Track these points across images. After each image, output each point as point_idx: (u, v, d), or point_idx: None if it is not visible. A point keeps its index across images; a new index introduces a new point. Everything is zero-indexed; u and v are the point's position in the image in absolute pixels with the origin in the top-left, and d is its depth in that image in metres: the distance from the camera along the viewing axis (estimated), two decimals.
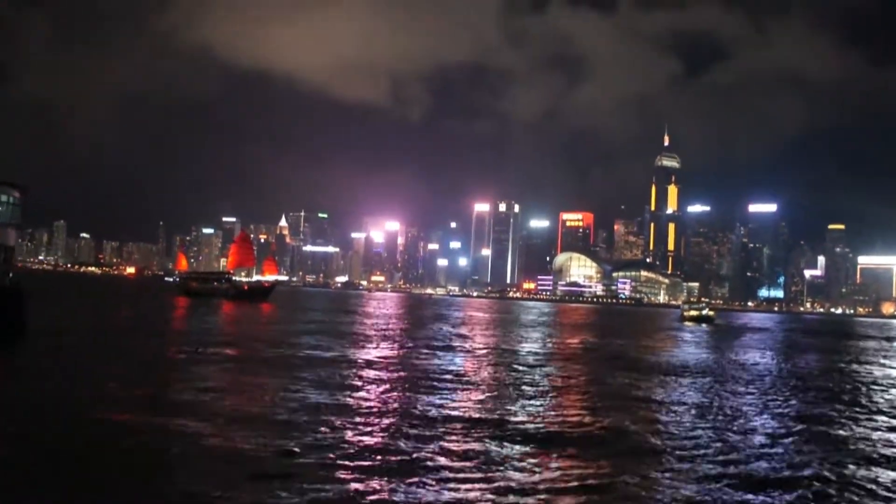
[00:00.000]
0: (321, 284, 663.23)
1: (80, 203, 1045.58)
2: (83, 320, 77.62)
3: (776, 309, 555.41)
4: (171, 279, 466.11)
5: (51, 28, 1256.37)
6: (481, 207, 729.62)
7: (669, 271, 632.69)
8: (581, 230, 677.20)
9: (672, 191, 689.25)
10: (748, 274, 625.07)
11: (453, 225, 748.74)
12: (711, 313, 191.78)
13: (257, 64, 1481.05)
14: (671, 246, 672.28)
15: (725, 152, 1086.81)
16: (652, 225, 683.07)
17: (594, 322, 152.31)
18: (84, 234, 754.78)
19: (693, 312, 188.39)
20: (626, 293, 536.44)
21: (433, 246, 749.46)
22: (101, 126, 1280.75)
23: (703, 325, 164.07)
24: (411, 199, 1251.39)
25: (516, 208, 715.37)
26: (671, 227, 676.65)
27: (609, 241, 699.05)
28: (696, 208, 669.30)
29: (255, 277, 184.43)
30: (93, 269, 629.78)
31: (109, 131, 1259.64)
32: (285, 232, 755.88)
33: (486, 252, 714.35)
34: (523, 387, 41.74)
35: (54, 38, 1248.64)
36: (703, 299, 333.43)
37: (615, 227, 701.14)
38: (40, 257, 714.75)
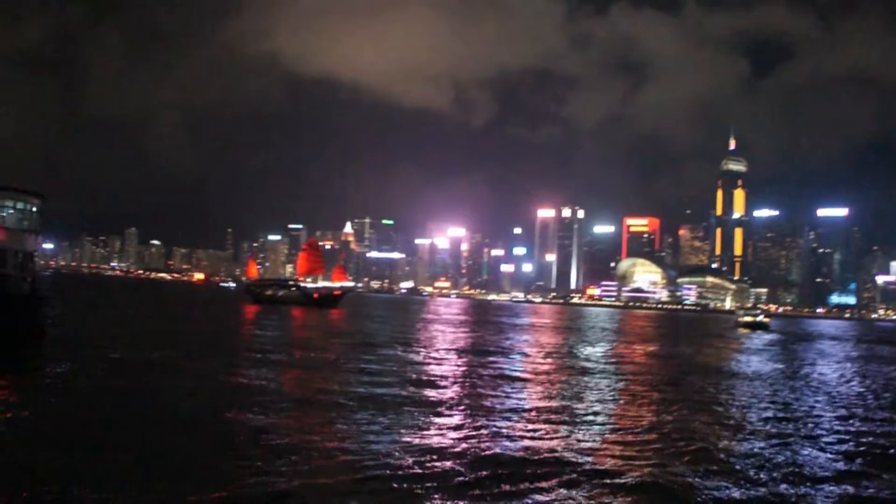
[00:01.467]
0: (386, 290, 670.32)
1: (152, 211, 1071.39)
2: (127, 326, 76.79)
3: (847, 315, 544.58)
4: (228, 285, 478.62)
5: (121, 44, 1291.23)
6: (545, 213, 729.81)
7: (736, 277, 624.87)
8: (646, 235, 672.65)
9: (739, 195, 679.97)
10: (818, 280, 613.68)
11: (518, 231, 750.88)
12: (766, 320, 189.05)
13: (322, 72, 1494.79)
14: (738, 251, 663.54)
15: (793, 155, 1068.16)
16: (718, 230, 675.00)
17: (652, 331, 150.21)
18: (154, 241, 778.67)
19: (748, 319, 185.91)
20: (692, 299, 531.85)
21: (497, 252, 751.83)
22: (171, 137, 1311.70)
23: (759, 332, 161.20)
24: (476, 205, 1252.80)
25: (580, 214, 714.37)
26: (738, 231, 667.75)
27: (674, 247, 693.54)
28: (763, 213, 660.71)
29: (321, 284, 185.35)
30: (162, 275, 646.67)
31: (179, 142, 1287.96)
32: (350, 238, 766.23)
33: (551, 257, 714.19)
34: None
35: (125, 54, 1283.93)
36: (758, 306, 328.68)
37: (680, 232, 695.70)
38: (112, 264, 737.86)
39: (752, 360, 76.82)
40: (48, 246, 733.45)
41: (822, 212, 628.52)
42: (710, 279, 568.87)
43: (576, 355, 69.39)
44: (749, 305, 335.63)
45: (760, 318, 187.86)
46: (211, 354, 52.69)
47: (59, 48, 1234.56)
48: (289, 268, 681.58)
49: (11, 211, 54.14)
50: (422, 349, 66.48)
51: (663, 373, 56.40)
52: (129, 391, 34.76)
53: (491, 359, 60.65)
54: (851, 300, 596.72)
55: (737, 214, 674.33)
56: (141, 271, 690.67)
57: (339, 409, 32.46)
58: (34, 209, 55.84)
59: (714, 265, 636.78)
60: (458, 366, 53.85)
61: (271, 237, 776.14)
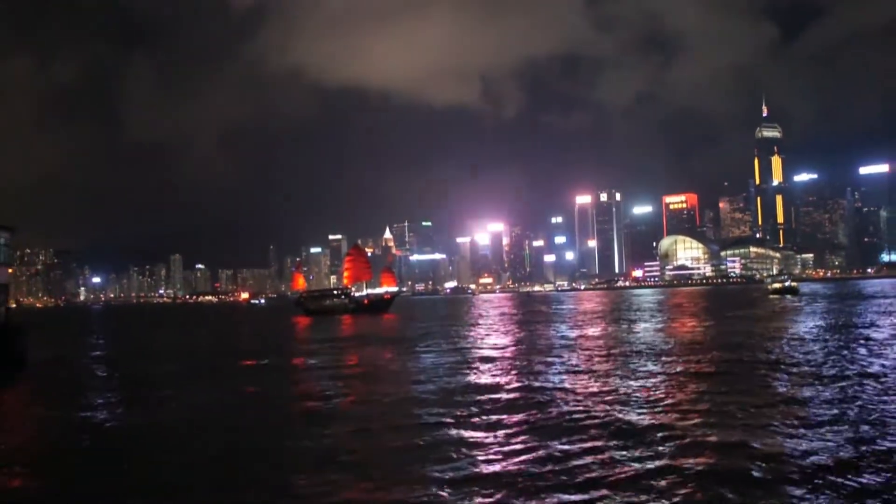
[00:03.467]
0: (430, 291, 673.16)
1: (194, 235, 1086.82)
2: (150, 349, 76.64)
3: None
4: (259, 302, 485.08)
5: (151, 72, 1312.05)
6: (583, 199, 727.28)
7: (781, 245, 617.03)
8: (685, 212, 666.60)
9: (776, 162, 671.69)
10: (865, 240, 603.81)
11: (557, 220, 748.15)
12: (795, 285, 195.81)
13: (349, 80, 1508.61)
14: (780, 219, 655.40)
15: (829, 116, 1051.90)
16: (758, 199, 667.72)
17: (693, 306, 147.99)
18: (199, 265, 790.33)
19: (777, 285, 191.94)
20: (737, 271, 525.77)
21: (538, 243, 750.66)
22: (206, 159, 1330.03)
23: (788, 297, 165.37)
24: (513, 198, 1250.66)
25: (618, 196, 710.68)
26: (778, 199, 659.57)
27: (715, 221, 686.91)
28: (802, 177, 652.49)
29: (366, 291, 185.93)
30: (209, 297, 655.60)
31: (214, 163, 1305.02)
32: (391, 244, 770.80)
33: (592, 244, 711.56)
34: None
35: (157, 81, 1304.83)
36: (783, 272, 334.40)
37: (720, 205, 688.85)
38: (160, 291, 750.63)
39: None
40: (96, 280, 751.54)
41: (864, 170, 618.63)
42: (753, 249, 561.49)
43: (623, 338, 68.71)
44: (776, 272, 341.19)
45: (788, 283, 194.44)
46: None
47: (91, 84, 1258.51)
48: (332, 278, 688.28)
49: None
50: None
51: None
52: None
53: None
54: None
55: (776, 182, 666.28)
56: (188, 296, 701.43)
57: None
58: (3, 242, 55.95)
59: (757, 235, 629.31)
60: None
61: (313, 250, 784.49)
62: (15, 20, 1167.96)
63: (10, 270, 60.43)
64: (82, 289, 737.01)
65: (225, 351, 71.57)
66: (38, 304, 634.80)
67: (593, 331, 78.37)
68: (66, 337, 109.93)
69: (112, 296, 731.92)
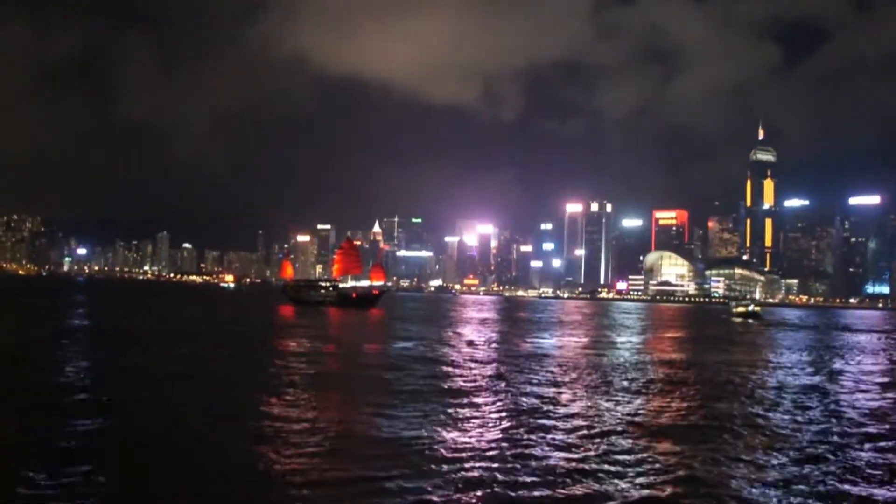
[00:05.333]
0: (415, 289, 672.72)
1: (183, 215, 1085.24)
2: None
3: (881, 305, 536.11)
4: (228, 286, 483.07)
5: (150, 52, 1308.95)
6: (573, 208, 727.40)
7: (767, 268, 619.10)
8: (674, 228, 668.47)
9: (768, 185, 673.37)
10: (850, 269, 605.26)
11: (547, 226, 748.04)
12: (758, 309, 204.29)
13: (349, 71, 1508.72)
14: (768, 242, 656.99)
15: (824, 143, 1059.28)
16: (748, 221, 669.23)
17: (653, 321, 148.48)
18: (186, 245, 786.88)
19: (741, 309, 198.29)
20: (720, 292, 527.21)
21: (526, 248, 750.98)
22: (200, 140, 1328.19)
23: (751, 321, 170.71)
24: (504, 201, 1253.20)
25: (608, 208, 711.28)
26: (768, 222, 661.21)
27: (704, 239, 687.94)
28: (793, 203, 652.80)
29: (352, 284, 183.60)
30: (193, 277, 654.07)
31: (208, 145, 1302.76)
32: (379, 238, 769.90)
33: (580, 252, 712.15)
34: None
35: (153, 62, 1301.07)
36: (747, 297, 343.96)
37: (709, 224, 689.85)
38: (145, 268, 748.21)
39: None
40: (81, 251, 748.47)
41: (854, 200, 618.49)
42: (738, 271, 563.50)
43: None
44: (740, 297, 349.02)
45: (751, 308, 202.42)
46: None
47: (88, 59, 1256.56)
48: (318, 268, 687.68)
49: None
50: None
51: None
52: None
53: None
54: (886, 289, 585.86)
55: (766, 205, 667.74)
56: (172, 275, 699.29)
57: None
58: None
59: (745, 257, 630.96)
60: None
61: (300, 238, 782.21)
62: None
63: None
64: (67, 259, 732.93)
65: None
66: (20, 271, 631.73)
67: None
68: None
69: (96, 268, 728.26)
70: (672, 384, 45.48)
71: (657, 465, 24.12)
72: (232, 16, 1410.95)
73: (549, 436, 28.32)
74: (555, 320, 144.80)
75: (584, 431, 29.42)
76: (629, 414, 34.02)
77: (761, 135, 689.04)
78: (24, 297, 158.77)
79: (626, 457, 25.04)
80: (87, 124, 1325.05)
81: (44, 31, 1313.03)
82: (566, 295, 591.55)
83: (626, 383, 44.79)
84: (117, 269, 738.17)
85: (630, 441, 27.82)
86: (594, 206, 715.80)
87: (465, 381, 43.27)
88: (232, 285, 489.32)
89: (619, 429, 30.00)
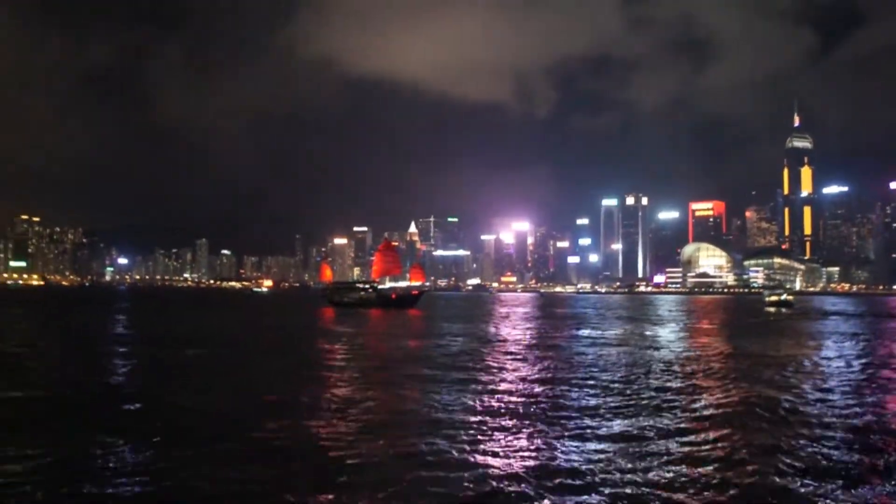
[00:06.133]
0: (452, 288, 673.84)
1: (221, 222, 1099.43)
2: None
3: None
4: (261, 290, 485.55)
5: (183, 58, 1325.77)
6: (609, 202, 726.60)
7: (807, 257, 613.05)
8: (711, 219, 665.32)
9: (806, 173, 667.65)
10: (893, 255, 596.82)
11: (583, 221, 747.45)
12: (790, 298, 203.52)
13: (380, 72, 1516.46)
14: (808, 230, 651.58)
15: (862, 128, 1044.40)
16: (786, 210, 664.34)
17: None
18: (225, 251, 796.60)
19: (773, 298, 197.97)
20: (759, 282, 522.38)
21: (563, 244, 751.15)
22: (235, 146, 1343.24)
23: (783, 310, 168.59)
24: (539, 198, 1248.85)
25: (644, 201, 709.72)
26: (807, 210, 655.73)
27: (742, 230, 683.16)
28: (832, 189, 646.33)
29: (390, 284, 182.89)
30: (232, 283, 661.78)
31: (243, 150, 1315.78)
32: (415, 238, 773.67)
33: (616, 247, 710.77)
34: None
35: (188, 67, 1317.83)
36: (783, 286, 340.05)
37: (747, 214, 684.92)
38: (185, 275, 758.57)
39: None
40: (123, 261, 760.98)
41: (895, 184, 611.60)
42: (777, 260, 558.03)
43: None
44: (772, 285, 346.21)
45: (784, 297, 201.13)
46: None
47: (124, 67, 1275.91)
48: (356, 270, 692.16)
49: None
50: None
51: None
52: None
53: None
54: None
55: (804, 193, 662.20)
56: (212, 281, 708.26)
57: None
58: None
59: (783, 246, 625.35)
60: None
61: (337, 241, 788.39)
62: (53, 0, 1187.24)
63: None
64: (109, 269, 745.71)
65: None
66: (64, 283, 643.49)
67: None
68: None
69: (137, 277, 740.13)
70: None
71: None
72: (262, 20, 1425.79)
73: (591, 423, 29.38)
74: (591, 314, 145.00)
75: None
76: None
77: (797, 122, 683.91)
78: (75, 307, 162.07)
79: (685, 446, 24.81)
80: (124, 132, 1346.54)
81: (81, 41, 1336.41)
82: (604, 290, 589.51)
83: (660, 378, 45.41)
84: (158, 277, 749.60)
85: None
86: (630, 200, 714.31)
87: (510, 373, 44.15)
88: (266, 290, 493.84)
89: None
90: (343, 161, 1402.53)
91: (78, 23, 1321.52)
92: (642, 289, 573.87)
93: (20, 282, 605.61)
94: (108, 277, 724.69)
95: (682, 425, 27.82)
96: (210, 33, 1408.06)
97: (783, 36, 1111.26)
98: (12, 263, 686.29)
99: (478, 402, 33.07)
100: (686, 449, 23.96)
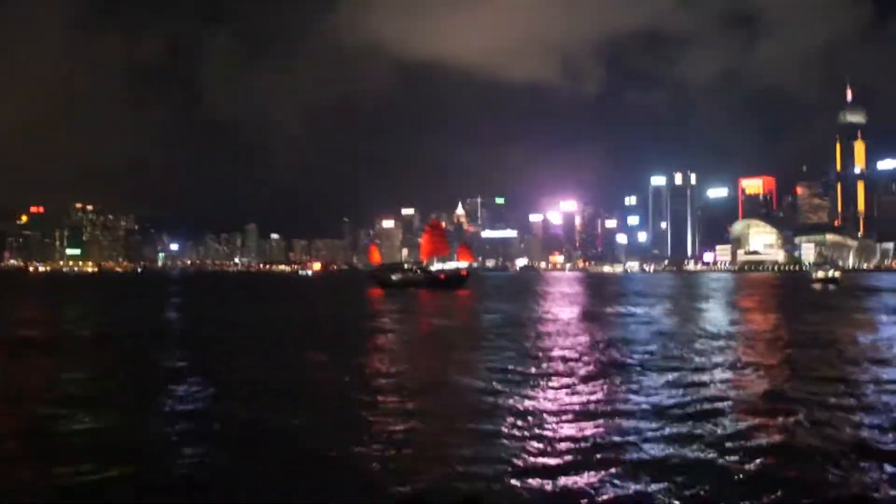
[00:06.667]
0: (500, 268, 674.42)
1: (270, 205, 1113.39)
2: None
3: None
4: (306, 272, 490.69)
5: (232, 48, 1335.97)
6: (657, 180, 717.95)
7: (860, 233, 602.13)
8: (762, 196, 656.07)
9: (859, 147, 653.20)
10: None
11: (631, 200, 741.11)
12: (837, 275, 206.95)
13: (428, 56, 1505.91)
14: (861, 206, 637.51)
15: None
16: (839, 185, 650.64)
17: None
18: (274, 235, 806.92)
19: (820, 275, 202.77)
20: (811, 259, 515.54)
21: (611, 223, 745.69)
22: (285, 133, 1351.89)
23: (830, 287, 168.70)
24: (587, 177, 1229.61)
25: (693, 178, 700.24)
26: (860, 185, 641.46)
27: (793, 206, 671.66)
28: (887, 164, 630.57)
29: (437, 266, 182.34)
30: (282, 267, 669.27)
31: (292, 137, 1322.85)
32: (462, 219, 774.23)
33: (665, 225, 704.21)
34: None
35: (235, 57, 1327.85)
36: (832, 262, 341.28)
37: (798, 190, 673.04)
38: (235, 260, 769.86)
39: None
40: (174, 247, 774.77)
41: None
42: (829, 237, 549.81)
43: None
44: (822, 263, 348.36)
45: (832, 273, 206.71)
46: None
47: (174, 60, 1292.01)
48: (404, 251, 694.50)
49: None
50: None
51: None
52: None
53: None
54: None
55: (858, 168, 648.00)
56: (261, 264, 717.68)
57: None
58: None
59: (836, 222, 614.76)
60: None
61: (385, 223, 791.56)
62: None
63: None
64: (161, 255, 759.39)
65: None
66: (118, 269, 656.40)
67: None
68: None
69: (188, 262, 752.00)
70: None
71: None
72: (309, 7, 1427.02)
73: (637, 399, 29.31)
74: (640, 292, 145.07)
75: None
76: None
77: (850, 96, 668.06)
78: (133, 289, 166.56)
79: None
80: (177, 125, 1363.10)
81: (131, 36, 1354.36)
82: (651, 268, 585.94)
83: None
84: (208, 261, 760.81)
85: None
86: (678, 178, 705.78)
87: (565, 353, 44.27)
88: (310, 272, 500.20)
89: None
90: (390, 144, 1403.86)
91: (128, 19, 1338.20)
92: (691, 267, 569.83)
93: (76, 269, 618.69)
94: (160, 263, 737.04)
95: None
96: (259, 24, 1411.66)
97: (836, 8, 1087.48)
98: (68, 251, 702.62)
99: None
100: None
